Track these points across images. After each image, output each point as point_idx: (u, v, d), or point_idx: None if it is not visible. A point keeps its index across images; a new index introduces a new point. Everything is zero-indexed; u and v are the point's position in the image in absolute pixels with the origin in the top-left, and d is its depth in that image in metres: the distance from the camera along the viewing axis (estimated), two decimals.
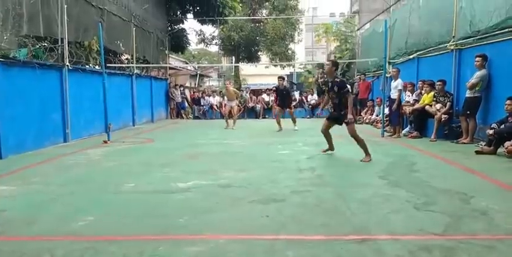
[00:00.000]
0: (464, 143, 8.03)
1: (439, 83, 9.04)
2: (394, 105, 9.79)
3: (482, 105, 8.09)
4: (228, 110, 13.17)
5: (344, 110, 6.65)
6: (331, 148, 7.32)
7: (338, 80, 6.73)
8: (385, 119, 10.28)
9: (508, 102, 6.79)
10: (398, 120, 9.99)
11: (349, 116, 6.55)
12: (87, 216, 3.76)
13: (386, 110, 10.28)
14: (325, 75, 7.20)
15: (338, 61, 7.80)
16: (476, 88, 7.95)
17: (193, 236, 3.23)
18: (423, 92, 9.94)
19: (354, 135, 6.63)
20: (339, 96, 6.65)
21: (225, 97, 13.28)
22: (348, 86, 6.84)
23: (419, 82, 10.38)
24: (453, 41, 9.29)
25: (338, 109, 6.78)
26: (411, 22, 12.08)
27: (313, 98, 18.92)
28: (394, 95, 9.88)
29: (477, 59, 7.93)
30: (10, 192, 4.82)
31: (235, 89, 14.32)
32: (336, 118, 6.91)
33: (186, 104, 19.91)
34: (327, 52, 32.19)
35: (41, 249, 2.99)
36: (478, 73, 7.92)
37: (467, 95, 8.17)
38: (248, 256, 2.84)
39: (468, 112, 8.08)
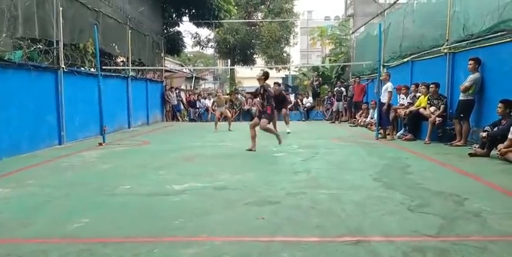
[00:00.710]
0: (458, 145, 8.08)
1: (432, 85, 9.10)
2: (384, 107, 9.84)
3: (476, 108, 8.15)
4: (218, 114, 13.43)
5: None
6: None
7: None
8: (374, 122, 10.32)
9: (499, 105, 6.86)
10: (388, 122, 10.03)
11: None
12: (82, 218, 3.75)
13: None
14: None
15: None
16: (469, 91, 8.01)
17: (189, 238, 3.23)
18: (418, 94, 10.01)
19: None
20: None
21: (215, 103, 13.71)
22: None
23: (412, 85, 10.44)
24: (447, 45, 9.37)
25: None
26: (405, 25, 12.16)
27: (308, 101, 18.97)
28: (383, 98, 9.93)
29: (470, 62, 8.00)
30: (4, 194, 4.80)
31: (225, 96, 15.17)
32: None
33: (182, 107, 19.89)
34: (322, 55, 32.30)
35: (36, 251, 2.98)
36: (472, 76, 7.99)
37: (460, 98, 8.24)
38: None
39: (462, 115, 8.14)
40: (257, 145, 8.10)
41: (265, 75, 8.26)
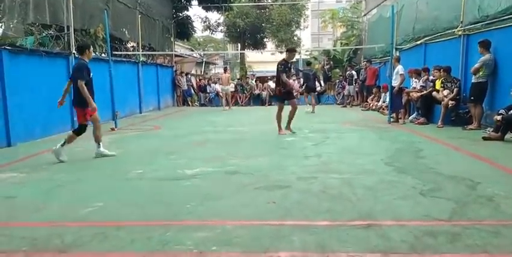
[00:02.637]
0: (472, 129, 7.97)
1: (440, 69, 8.94)
2: (396, 89, 9.72)
3: (490, 91, 8.00)
4: (224, 94, 15.55)
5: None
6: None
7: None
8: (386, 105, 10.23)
9: None
10: (401, 106, 9.92)
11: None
12: (96, 202, 3.80)
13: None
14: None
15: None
16: (480, 73, 7.87)
17: (200, 222, 3.26)
18: (431, 78, 9.84)
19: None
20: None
21: (220, 82, 15.82)
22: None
23: (434, 69, 10.05)
24: (461, 27, 9.16)
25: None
26: (419, 7, 11.90)
27: (318, 85, 18.78)
28: (394, 81, 9.81)
29: (478, 46, 7.94)
30: (20, 179, 4.88)
31: (227, 75, 16.50)
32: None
33: (193, 92, 19.89)
34: (333, 38, 31.85)
35: (51, 235, 3.04)
36: (482, 58, 7.84)
37: (472, 81, 8.11)
38: (254, 241, 2.86)
39: (472, 98, 8.02)
40: (269, 128, 8.10)
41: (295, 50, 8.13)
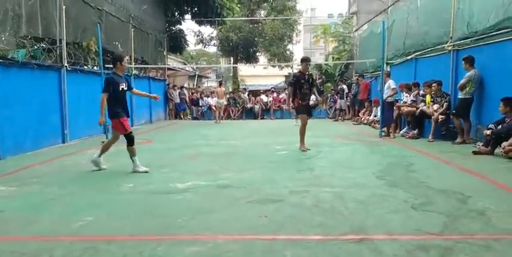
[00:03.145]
0: (460, 143, 8.07)
1: (434, 84, 9.08)
2: (387, 99, 9.87)
3: (478, 106, 8.15)
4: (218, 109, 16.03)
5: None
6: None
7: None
8: (377, 119, 10.33)
9: (501, 104, 6.86)
10: (392, 120, 10.02)
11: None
12: (87, 216, 3.77)
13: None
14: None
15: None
16: (467, 89, 8.02)
17: (192, 237, 3.25)
18: (421, 92, 9.97)
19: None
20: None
21: (215, 95, 16.40)
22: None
23: (424, 86, 10.16)
24: (451, 42, 9.33)
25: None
26: (409, 23, 12.12)
27: (313, 99, 18.91)
28: (385, 96, 9.93)
29: (462, 62, 8.16)
30: (9, 192, 4.83)
31: (221, 89, 17.01)
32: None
33: (186, 105, 19.90)
34: (325, 53, 32.22)
35: (41, 249, 3.01)
36: (467, 74, 8.00)
37: (458, 96, 8.28)
38: (246, 256, 2.85)
39: (454, 112, 8.19)
40: (261, 142, 8.10)
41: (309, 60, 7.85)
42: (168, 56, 20.95)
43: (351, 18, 26.94)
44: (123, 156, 7.60)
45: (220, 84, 17.79)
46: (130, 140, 6.01)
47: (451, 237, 3.12)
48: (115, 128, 6.10)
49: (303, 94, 7.74)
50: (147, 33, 15.80)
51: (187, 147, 8.63)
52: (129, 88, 6.25)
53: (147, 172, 5.82)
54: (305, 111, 7.81)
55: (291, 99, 7.97)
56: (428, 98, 9.53)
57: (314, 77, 7.44)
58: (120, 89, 5.93)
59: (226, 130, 12.46)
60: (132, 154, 6.03)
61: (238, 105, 18.95)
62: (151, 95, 7.18)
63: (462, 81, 8.06)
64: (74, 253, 2.92)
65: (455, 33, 9.21)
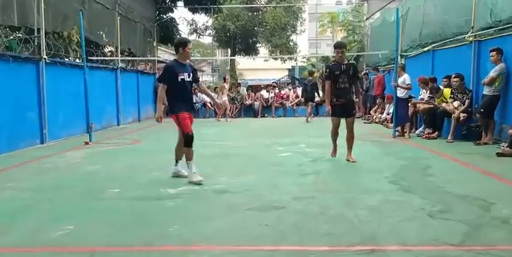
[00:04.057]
0: (485, 143, 8.06)
1: (455, 79, 9.06)
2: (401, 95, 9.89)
3: (502, 103, 8.13)
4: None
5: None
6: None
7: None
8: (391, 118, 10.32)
9: None
10: (407, 119, 10.01)
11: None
12: (67, 225, 3.77)
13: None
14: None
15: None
16: (495, 84, 7.98)
17: (185, 247, 3.25)
18: (440, 87, 9.97)
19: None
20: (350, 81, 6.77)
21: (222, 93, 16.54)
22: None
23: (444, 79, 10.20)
24: (472, 32, 9.32)
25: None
26: (426, 11, 12.11)
27: (317, 95, 18.92)
28: (399, 92, 9.91)
29: (492, 53, 7.99)
30: None
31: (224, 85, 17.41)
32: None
33: None
34: (333, 44, 32.26)
35: None
36: (497, 67, 7.96)
37: (484, 93, 8.21)
38: None
39: (481, 110, 8.14)
40: (262, 142, 8.09)
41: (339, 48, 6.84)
42: (159, 47, 20.95)
43: (362, 5, 26.95)
44: (108, 158, 7.62)
45: (225, 79, 18.38)
46: (186, 141, 5.55)
47: (472, 248, 3.12)
48: (178, 124, 5.69)
49: (339, 90, 6.73)
50: (134, 22, 15.77)
51: None
52: (195, 80, 5.76)
53: (201, 183, 5.29)
54: (341, 112, 6.82)
55: (328, 99, 6.90)
56: (447, 92, 9.51)
57: (357, 69, 6.37)
58: (179, 79, 5.49)
59: (224, 129, 12.47)
60: (187, 158, 5.56)
61: (236, 102, 18.94)
62: (217, 101, 6.73)
63: (492, 74, 7.97)
64: None
65: (477, 23, 9.20)
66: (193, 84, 5.78)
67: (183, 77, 5.51)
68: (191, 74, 5.63)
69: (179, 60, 5.65)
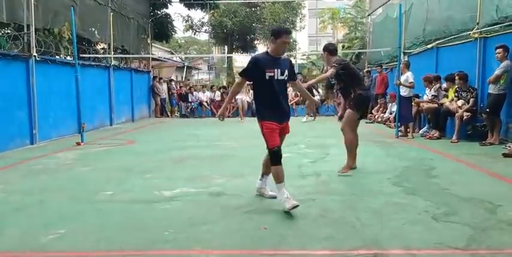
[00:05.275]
0: (491, 144, 8.07)
1: (457, 77, 9.07)
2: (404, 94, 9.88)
3: (509, 101, 8.13)
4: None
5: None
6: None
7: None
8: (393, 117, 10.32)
9: None
10: (410, 118, 10.02)
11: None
12: (58, 229, 3.76)
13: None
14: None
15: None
16: (501, 81, 7.99)
17: (181, 252, 3.24)
18: (443, 85, 9.97)
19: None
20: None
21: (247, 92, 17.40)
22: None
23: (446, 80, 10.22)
24: (477, 29, 9.33)
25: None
26: (430, 6, 12.11)
27: (317, 94, 18.93)
28: (402, 91, 9.92)
29: (498, 50, 7.99)
30: None
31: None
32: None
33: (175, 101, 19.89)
34: (334, 41, 32.24)
35: None
36: (503, 64, 7.97)
37: (490, 91, 8.22)
38: None
39: (487, 110, 8.14)
40: (260, 143, 8.03)
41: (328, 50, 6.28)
42: (153, 44, 20.92)
43: (363, 1, 26.97)
44: (100, 159, 7.60)
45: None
46: (273, 157, 4.51)
47: (477, 252, 3.12)
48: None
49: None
50: (128, 18, 15.76)
51: (175, 149, 8.62)
52: (291, 78, 4.72)
53: (297, 206, 4.14)
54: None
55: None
56: (451, 91, 9.53)
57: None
58: (267, 76, 4.44)
59: (221, 129, 12.44)
60: (274, 179, 4.49)
61: (234, 100, 18.93)
62: (313, 99, 5.97)
63: (496, 72, 7.98)
64: None
65: (483, 19, 9.20)
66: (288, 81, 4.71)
67: (272, 74, 4.45)
68: (285, 71, 4.55)
69: (271, 53, 4.58)
